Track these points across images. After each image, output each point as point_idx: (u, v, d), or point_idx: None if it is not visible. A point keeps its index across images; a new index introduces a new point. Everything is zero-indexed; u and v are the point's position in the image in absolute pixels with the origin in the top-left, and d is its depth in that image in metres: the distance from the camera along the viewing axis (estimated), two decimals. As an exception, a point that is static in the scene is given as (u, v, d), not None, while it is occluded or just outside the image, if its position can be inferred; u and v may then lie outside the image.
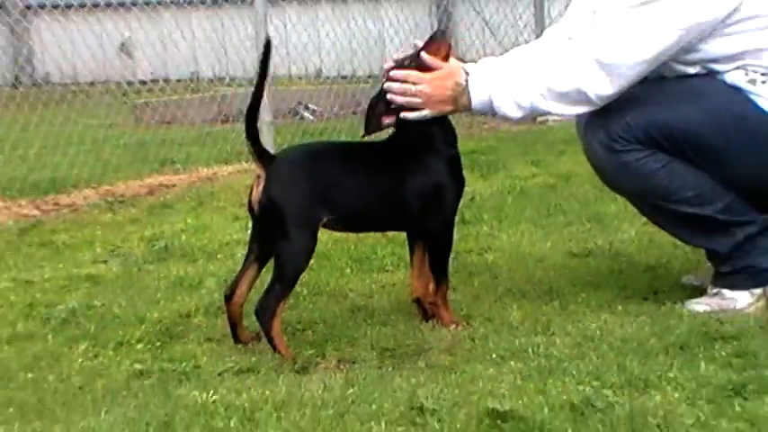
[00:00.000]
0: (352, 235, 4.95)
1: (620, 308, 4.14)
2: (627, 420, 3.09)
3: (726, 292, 4.11)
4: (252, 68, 8.71)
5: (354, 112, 9.14)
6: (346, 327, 4.10)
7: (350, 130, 8.20)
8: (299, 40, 10.74)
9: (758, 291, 4.10)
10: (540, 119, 8.63)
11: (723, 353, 3.61)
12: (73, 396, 3.57)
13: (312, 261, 3.91)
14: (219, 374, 3.68)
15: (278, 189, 3.80)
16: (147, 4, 10.35)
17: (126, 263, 5.20)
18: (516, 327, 4.00)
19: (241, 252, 4.49)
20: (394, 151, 3.99)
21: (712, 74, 4.04)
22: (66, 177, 7.31)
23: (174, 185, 7.24)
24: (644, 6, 3.92)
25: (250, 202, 3.87)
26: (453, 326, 4.02)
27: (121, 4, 10.06)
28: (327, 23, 10.91)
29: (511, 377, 3.47)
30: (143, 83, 10.20)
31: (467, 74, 4.02)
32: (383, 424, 3.14)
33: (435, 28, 4.32)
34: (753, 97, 3.99)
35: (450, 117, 4.07)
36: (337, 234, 4.40)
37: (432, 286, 4.07)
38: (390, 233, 4.97)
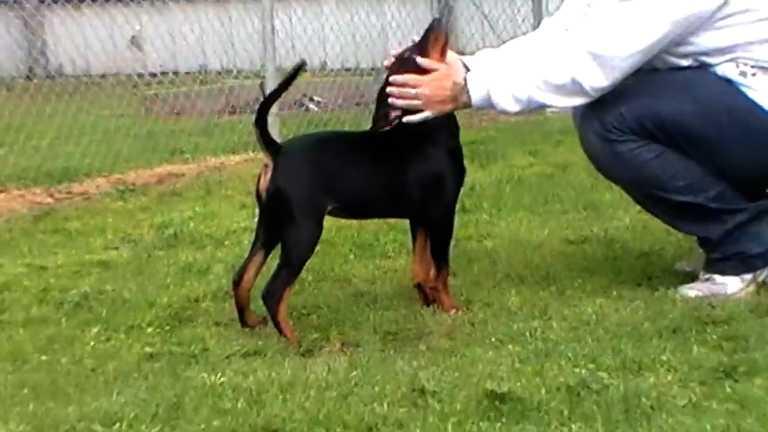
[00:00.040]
0: (355, 222, 4.95)
1: (614, 293, 4.14)
2: (621, 401, 3.10)
3: (717, 277, 4.11)
4: (258, 61, 8.71)
5: (358, 104, 9.14)
6: (350, 311, 4.10)
7: (353, 120, 8.20)
8: (305, 33, 10.72)
9: (748, 276, 4.10)
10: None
11: (714, 336, 3.61)
12: (85, 378, 3.57)
13: (317, 247, 3.91)
14: (227, 357, 3.68)
15: (285, 178, 3.80)
16: (156, -2, 10.37)
17: (136, 249, 5.20)
18: (514, 311, 4.01)
19: (248, 239, 4.50)
20: (397, 142, 3.98)
21: (704, 66, 4.03)
22: (78, 166, 7.31)
23: (183, 174, 7.24)
24: (636, 0, 3.92)
25: (258, 190, 3.87)
26: (453, 310, 4.02)
27: (132, -1, 10.08)
28: (332, 17, 10.91)
29: (509, 360, 3.47)
30: (153, 75, 10.19)
31: (466, 69, 4.02)
32: (385, 405, 3.15)
33: (432, 18, 4.30)
34: (743, 89, 3.99)
35: (452, 109, 4.08)
36: (341, 221, 4.40)
37: (433, 272, 4.07)
38: (392, 220, 4.97)
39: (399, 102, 3.94)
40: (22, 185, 6.87)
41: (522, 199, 5.85)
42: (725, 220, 4.07)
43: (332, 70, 10.93)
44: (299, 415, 3.11)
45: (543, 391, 3.18)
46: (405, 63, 4.00)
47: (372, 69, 10.41)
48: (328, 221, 3.91)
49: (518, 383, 3.24)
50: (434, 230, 4.05)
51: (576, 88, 3.95)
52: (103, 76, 10.48)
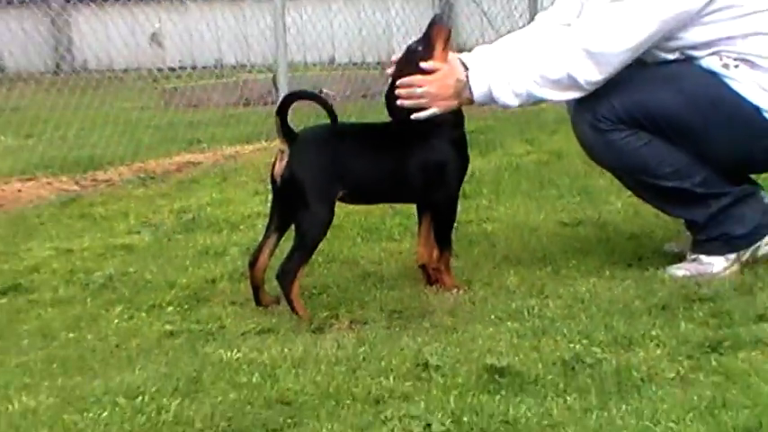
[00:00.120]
0: (362, 207, 4.95)
1: (607, 273, 4.13)
2: (614, 375, 3.09)
3: (703, 257, 4.11)
4: (270, 56, 8.70)
5: (364, 96, 9.11)
6: (358, 291, 4.10)
7: (360, 111, 8.17)
8: (314, 29, 10.71)
9: (732, 256, 4.10)
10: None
11: (701, 313, 3.60)
12: (110, 354, 3.57)
13: (327, 231, 3.92)
14: (243, 334, 3.68)
15: (300, 164, 3.81)
16: (175, -3, 10.36)
17: (157, 233, 5.20)
18: (513, 290, 4.00)
19: (261, 223, 4.49)
20: (404, 132, 3.98)
21: (689, 59, 4.03)
22: (102, 155, 7.30)
23: (200, 163, 7.23)
24: (627, 0, 3.92)
25: (272, 175, 3.87)
26: (455, 290, 4.02)
27: (152, -2, 10.07)
28: (340, 15, 10.89)
29: (508, 336, 3.47)
30: (172, 69, 10.18)
31: (465, 68, 4.02)
32: (392, 379, 3.15)
33: (434, 14, 4.30)
34: (726, 80, 3.98)
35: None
36: (349, 206, 4.40)
37: (436, 254, 4.06)
38: (398, 205, 4.96)
39: (407, 102, 3.94)
40: (50, 174, 6.86)
41: (520, 185, 5.83)
42: (710, 203, 4.07)
43: (340, 64, 10.91)
44: (310, 388, 3.11)
45: (540, 365, 3.18)
46: (411, 56, 4.00)
47: (378, 63, 10.38)
48: (337, 207, 3.90)
49: (516, 358, 3.24)
50: (438, 215, 4.04)
51: (571, 83, 3.96)
52: (125, 70, 10.47)
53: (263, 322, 3.78)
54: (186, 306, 4.03)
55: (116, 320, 3.92)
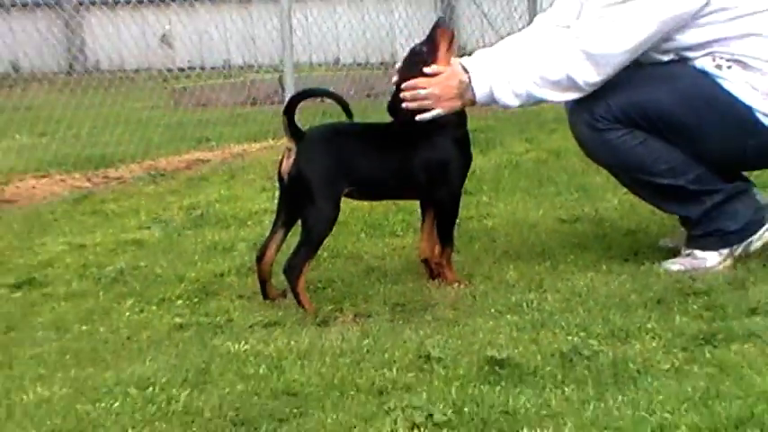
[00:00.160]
0: (366, 203, 4.94)
1: (604, 267, 4.13)
2: (610, 366, 3.09)
3: (697, 252, 4.11)
4: (277, 57, 8.69)
5: (368, 95, 9.11)
6: (362, 285, 4.10)
7: (364, 111, 8.15)
8: (320, 31, 10.71)
9: (725, 251, 4.09)
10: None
11: (695, 306, 3.60)
12: (121, 345, 3.57)
13: (332, 227, 3.92)
14: (250, 327, 3.68)
15: (306, 162, 3.81)
16: (184, 0, 10.33)
17: (167, 229, 5.20)
18: (512, 285, 4.00)
19: (268, 219, 4.49)
20: (408, 131, 3.97)
21: (683, 60, 4.03)
22: (114, 153, 7.31)
23: (208, 161, 7.23)
24: (627, 3, 3.92)
25: (280, 172, 3.87)
26: (456, 284, 4.02)
27: (162, 1, 10.06)
28: (344, 17, 10.89)
29: (507, 329, 3.47)
30: (181, 70, 10.19)
31: (466, 71, 4.02)
32: (395, 370, 3.15)
33: (437, 17, 4.30)
34: (719, 81, 3.98)
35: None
36: (353, 203, 4.40)
37: (438, 249, 4.06)
38: (400, 202, 4.96)
39: (413, 105, 3.94)
40: (63, 171, 6.87)
41: (519, 182, 5.83)
42: (703, 200, 4.07)
43: (344, 65, 10.92)
44: (315, 379, 3.11)
45: (539, 357, 3.18)
46: (415, 58, 4.01)
47: (381, 64, 10.39)
48: (342, 204, 3.90)
49: (516, 350, 3.23)
50: (441, 212, 4.04)
51: (570, 84, 3.96)
52: (136, 71, 10.48)
53: (269, 315, 3.78)
54: (195, 299, 4.03)
55: (127, 313, 3.92)
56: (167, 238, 5.01)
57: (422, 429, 2.76)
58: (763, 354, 3.14)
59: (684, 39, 3.97)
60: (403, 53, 4.11)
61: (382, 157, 3.95)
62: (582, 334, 3.37)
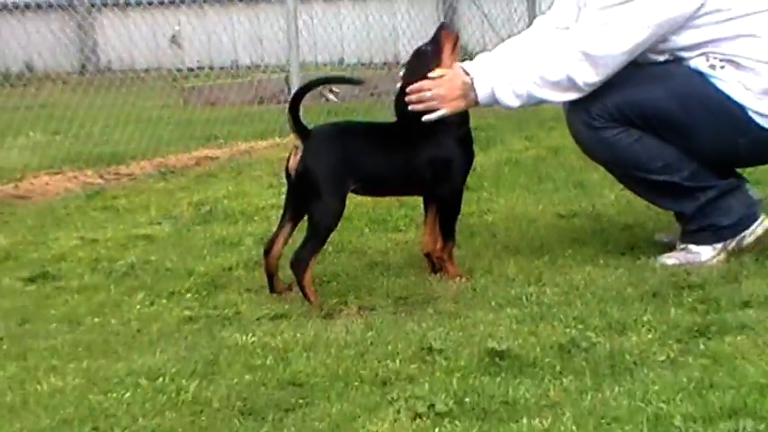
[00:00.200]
0: (370, 199, 4.94)
1: (601, 261, 4.13)
2: (607, 358, 3.09)
3: (692, 247, 4.10)
4: (283, 57, 8.69)
5: (372, 95, 9.10)
6: (366, 279, 4.10)
7: (367, 109, 8.16)
8: (324, 31, 10.69)
9: (719, 245, 4.09)
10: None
11: (690, 299, 3.60)
12: (132, 338, 3.58)
13: (337, 222, 3.91)
14: (257, 320, 3.68)
15: (313, 159, 3.81)
16: (194, 1, 10.34)
17: (176, 224, 5.20)
18: (512, 278, 4.00)
19: (275, 215, 4.49)
20: (412, 130, 3.97)
21: (678, 60, 4.03)
22: (125, 151, 7.30)
23: (217, 158, 7.22)
24: (624, 5, 3.91)
25: (287, 169, 3.88)
26: (458, 278, 4.02)
27: (172, 2, 10.06)
28: (348, 17, 10.88)
29: (507, 321, 3.47)
30: (190, 70, 10.18)
31: (466, 73, 4.02)
32: (398, 362, 3.15)
33: (441, 21, 4.30)
34: (712, 80, 3.98)
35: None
36: (358, 199, 4.40)
37: (440, 243, 4.06)
38: (404, 198, 4.96)
39: (419, 106, 3.94)
40: (76, 168, 6.86)
41: (519, 178, 5.83)
42: (698, 196, 4.07)
43: (348, 65, 10.90)
44: (320, 371, 3.11)
45: (538, 348, 3.18)
46: (420, 58, 4.02)
47: (384, 64, 10.38)
48: (347, 199, 3.90)
49: (515, 342, 3.23)
50: (444, 207, 4.04)
51: (570, 84, 3.96)
52: (147, 70, 10.45)
53: (276, 308, 3.78)
54: (204, 293, 4.03)
55: (138, 306, 3.92)
56: (177, 233, 5.01)
57: (424, 419, 2.76)
58: (756, 345, 3.14)
59: (679, 39, 3.97)
60: (406, 53, 4.11)
61: (387, 154, 3.95)
62: (580, 326, 3.37)
